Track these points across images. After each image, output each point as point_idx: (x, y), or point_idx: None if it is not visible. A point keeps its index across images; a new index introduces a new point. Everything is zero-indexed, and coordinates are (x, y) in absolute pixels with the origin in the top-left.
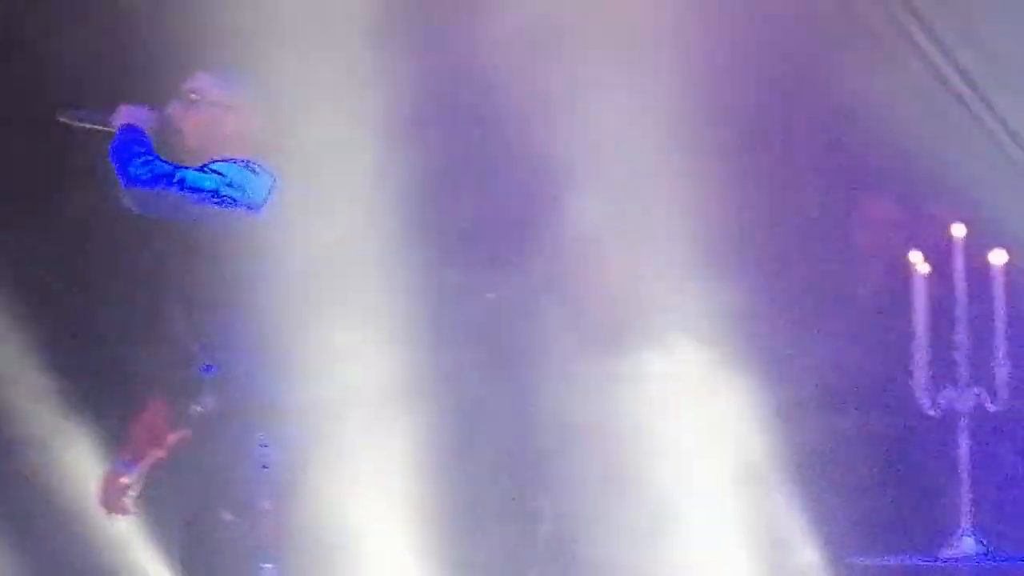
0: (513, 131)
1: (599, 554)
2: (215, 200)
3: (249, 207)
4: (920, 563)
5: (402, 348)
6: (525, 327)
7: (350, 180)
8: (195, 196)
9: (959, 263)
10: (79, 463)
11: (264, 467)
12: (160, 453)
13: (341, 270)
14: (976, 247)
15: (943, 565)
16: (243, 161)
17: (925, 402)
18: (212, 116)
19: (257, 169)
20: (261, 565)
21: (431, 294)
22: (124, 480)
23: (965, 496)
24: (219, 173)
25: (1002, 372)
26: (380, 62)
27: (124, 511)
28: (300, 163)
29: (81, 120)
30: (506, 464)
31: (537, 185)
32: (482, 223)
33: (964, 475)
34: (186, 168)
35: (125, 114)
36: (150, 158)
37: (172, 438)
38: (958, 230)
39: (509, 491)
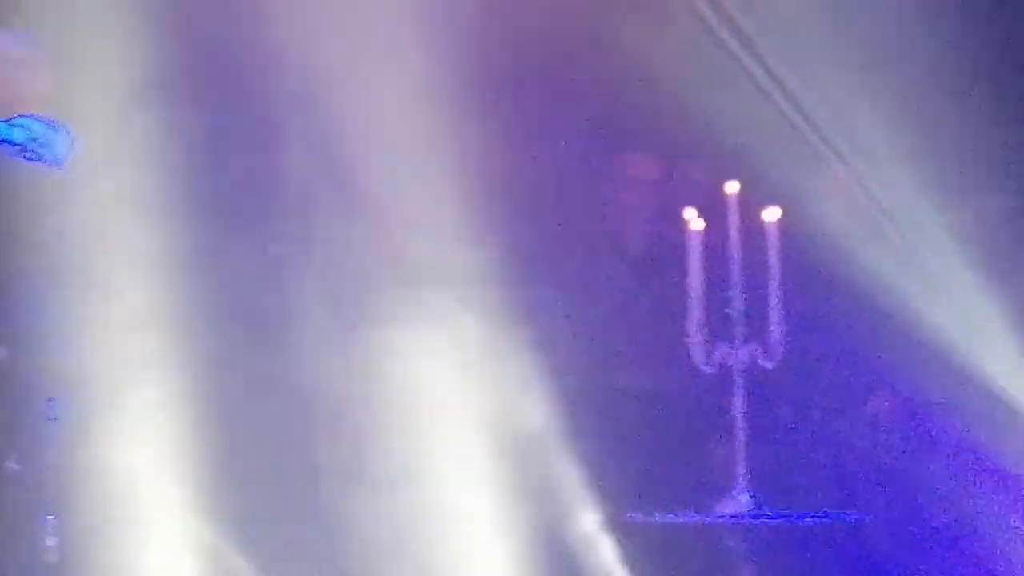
0: (267, 95)
1: (373, 517)
2: (24, 154)
3: (53, 163)
4: (696, 520)
5: (176, 314)
6: (289, 294)
7: (115, 143)
8: (7, 148)
9: (733, 220)
10: None
11: (51, 419)
12: None
13: (114, 237)
14: (750, 205)
15: (719, 522)
16: (42, 117)
17: (700, 359)
18: (11, 72)
19: (56, 126)
20: (45, 516)
21: (201, 262)
22: None
23: (740, 453)
24: (24, 127)
25: (776, 329)
26: (150, 27)
27: None
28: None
29: None
30: (285, 427)
31: (305, 151)
32: (252, 188)
33: (739, 432)
34: None
35: None
36: None
37: None
38: (731, 187)
39: (287, 452)
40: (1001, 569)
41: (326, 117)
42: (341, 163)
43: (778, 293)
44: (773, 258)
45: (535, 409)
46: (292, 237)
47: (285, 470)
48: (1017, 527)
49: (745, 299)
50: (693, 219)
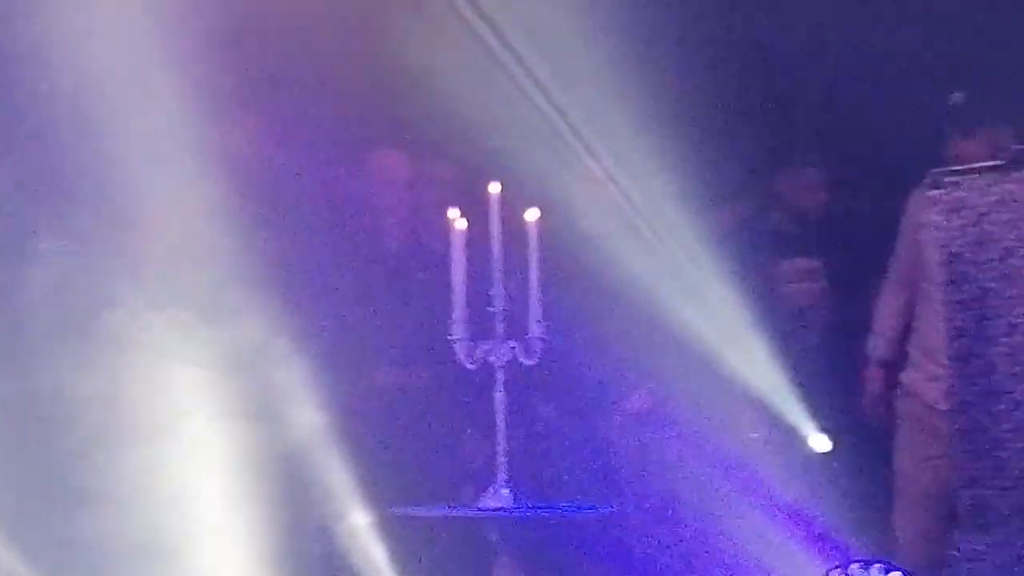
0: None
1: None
2: None
3: None
4: (458, 513)
5: None
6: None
7: None
8: None
9: (495, 220)
10: None
11: None
12: None
13: None
14: (513, 205)
15: (480, 515)
16: None
17: (463, 356)
18: None
19: None
20: None
21: None
22: None
23: (501, 448)
24: None
25: (536, 327)
26: None
27: None
28: None
29: None
30: (29, 440)
31: (38, 155)
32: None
33: (501, 428)
34: None
35: None
36: None
37: None
38: (494, 188)
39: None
40: (744, 565)
41: (60, 119)
42: (75, 169)
43: (538, 292)
44: (533, 258)
45: (300, 411)
46: (29, 246)
47: (29, 484)
48: (760, 524)
49: (507, 298)
50: (456, 219)
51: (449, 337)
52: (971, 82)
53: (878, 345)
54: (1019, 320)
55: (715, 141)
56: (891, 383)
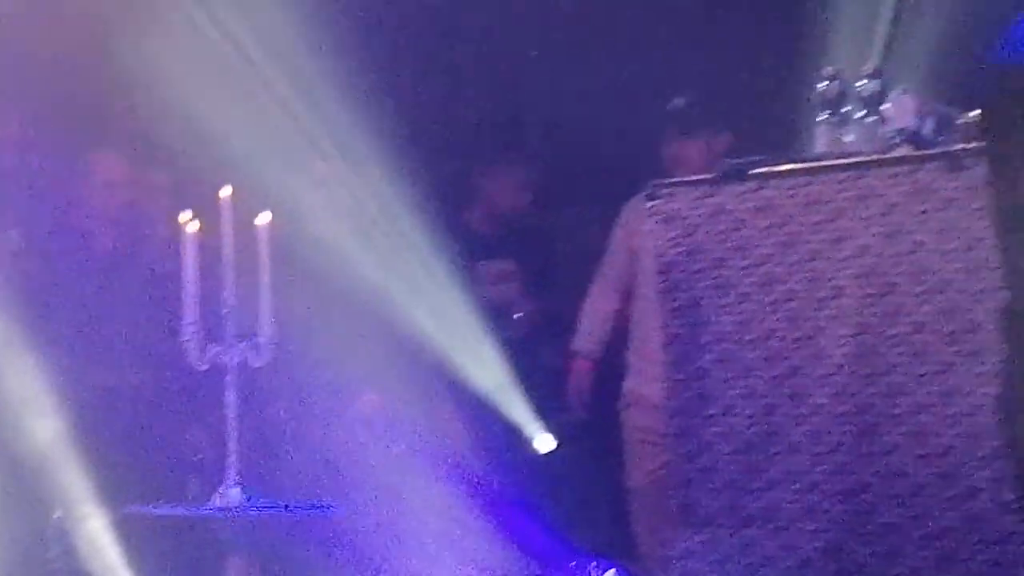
0: None
1: None
2: None
3: None
4: (189, 513)
5: None
6: None
7: None
8: None
9: (227, 224)
10: None
11: None
12: None
13: None
14: (244, 209)
15: (211, 515)
16: None
17: (193, 357)
18: None
19: None
20: None
21: None
22: None
23: (232, 448)
24: None
25: (265, 329)
26: None
27: None
28: None
29: None
30: None
31: None
32: None
33: (232, 429)
34: None
35: None
36: None
37: None
38: (225, 192)
39: None
40: (469, 564)
41: None
42: None
43: (269, 295)
44: (264, 261)
45: (32, 415)
46: None
47: None
48: (486, 524)
49: (237, 300)
50: (188, 221)
51: (180, 339)
52: (690, 90)
53: (585, 345)
54: (729, 328)
55: (440, 146)
56: (596, 378)
